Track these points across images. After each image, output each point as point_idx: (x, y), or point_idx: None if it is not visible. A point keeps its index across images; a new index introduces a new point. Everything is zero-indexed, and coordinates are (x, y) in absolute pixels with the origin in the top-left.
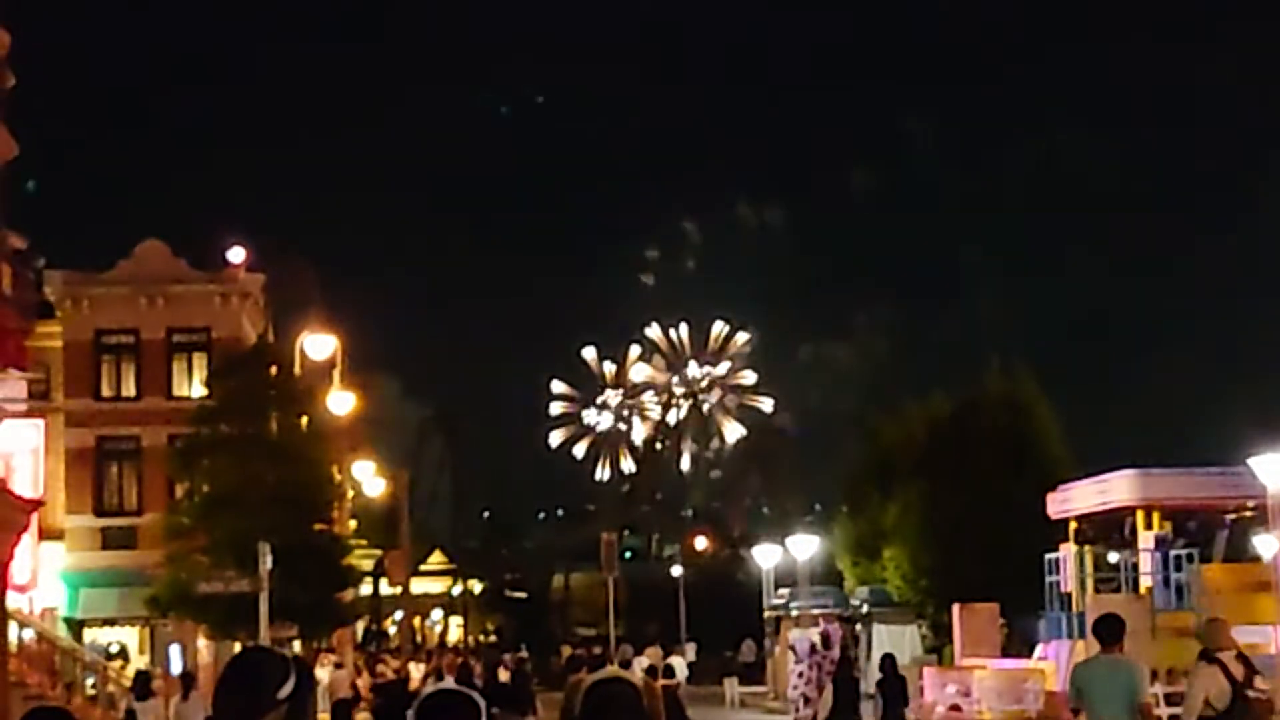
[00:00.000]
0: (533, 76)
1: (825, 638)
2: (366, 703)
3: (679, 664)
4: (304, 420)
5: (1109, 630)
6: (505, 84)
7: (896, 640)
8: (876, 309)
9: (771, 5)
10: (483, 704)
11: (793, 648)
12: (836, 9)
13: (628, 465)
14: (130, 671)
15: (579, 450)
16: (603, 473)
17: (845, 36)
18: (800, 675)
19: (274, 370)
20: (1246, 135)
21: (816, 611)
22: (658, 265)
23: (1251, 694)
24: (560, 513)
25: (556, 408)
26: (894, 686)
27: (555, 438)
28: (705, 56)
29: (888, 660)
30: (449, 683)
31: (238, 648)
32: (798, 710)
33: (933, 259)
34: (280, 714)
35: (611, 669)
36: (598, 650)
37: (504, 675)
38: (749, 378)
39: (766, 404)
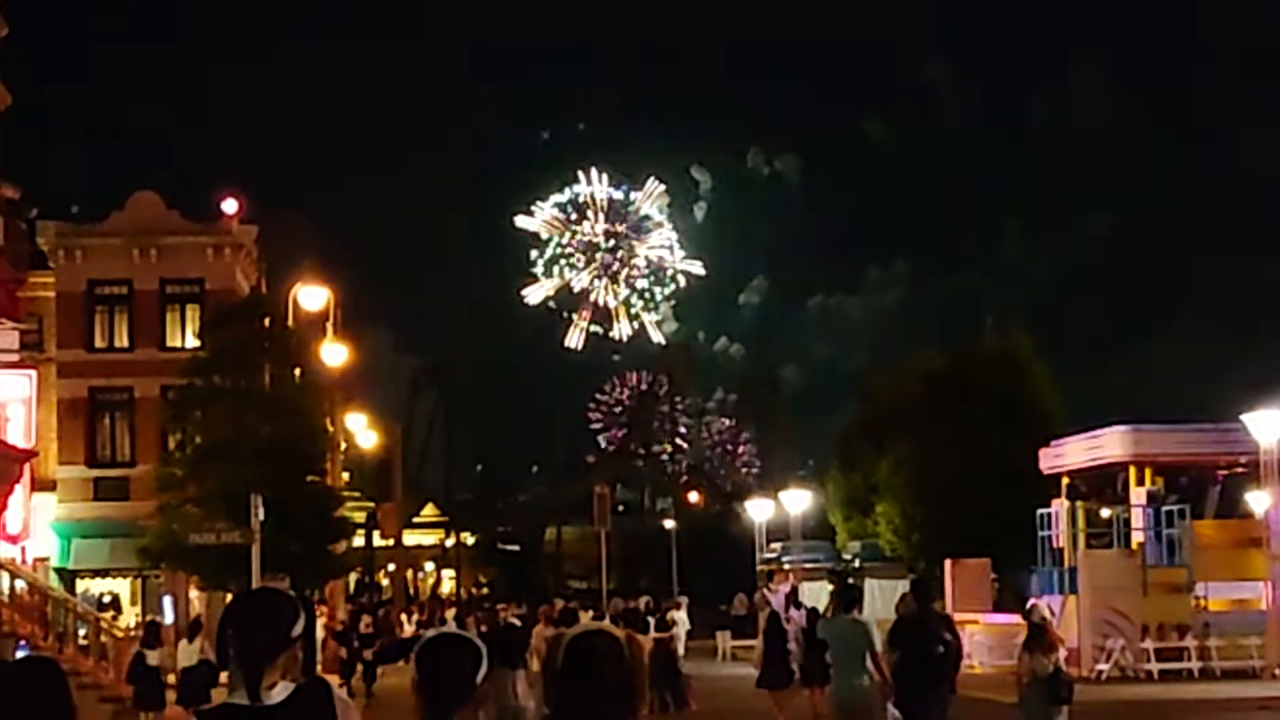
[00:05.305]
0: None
1: (794, 592)
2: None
3: (680, 617)
4: (297, 372)
5: (849, 598)
6: (497, 42)
7: (888, 595)
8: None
9: None
10: (484, 649)
11: (768, 602)
12: None
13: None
14: (121, 622)
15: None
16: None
17: None
18: None
19: (267, 322)
20: (1255, 96)
21: (809, 566)
22: (671, 215)
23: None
24: (553, 466)
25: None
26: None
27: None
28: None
29: (811, 613)
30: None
31: (229, 599)
32: None
33: (935, 216)
34: (295, 652)
35: (592, 621)
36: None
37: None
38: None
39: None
